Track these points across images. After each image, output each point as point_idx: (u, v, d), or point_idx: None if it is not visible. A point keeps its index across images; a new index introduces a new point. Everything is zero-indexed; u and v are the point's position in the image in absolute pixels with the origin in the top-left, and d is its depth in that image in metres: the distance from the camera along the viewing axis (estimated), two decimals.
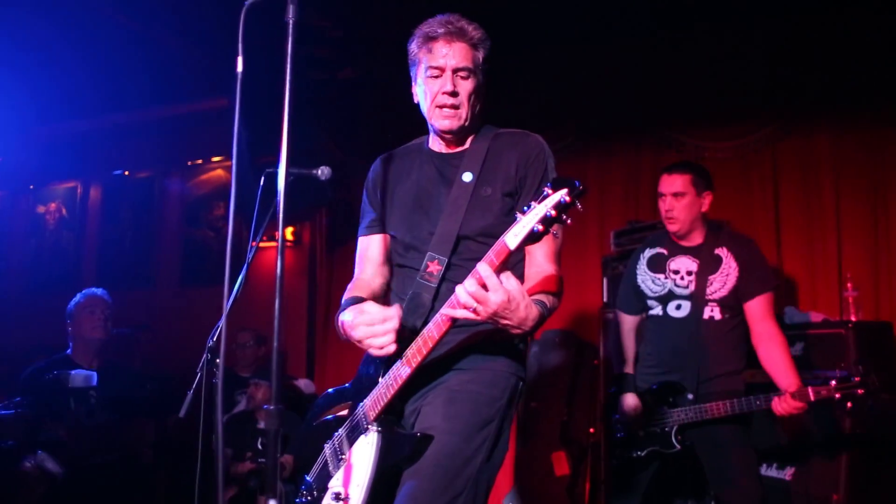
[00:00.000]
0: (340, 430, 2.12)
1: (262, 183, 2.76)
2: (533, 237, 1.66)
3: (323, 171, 2.77)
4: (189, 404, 2.43)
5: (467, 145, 2.15)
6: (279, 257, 1.83)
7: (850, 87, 4.25)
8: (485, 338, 2.00)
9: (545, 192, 1.64)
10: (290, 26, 1.62)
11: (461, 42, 2.04)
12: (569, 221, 1.64)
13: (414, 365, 1.90)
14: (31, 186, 7.56)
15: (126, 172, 7.07)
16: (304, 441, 2.28)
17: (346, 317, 1.99)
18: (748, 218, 4.51)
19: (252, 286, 6.48)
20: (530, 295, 1.87)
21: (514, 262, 2.04)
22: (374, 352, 1.91)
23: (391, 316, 1.88)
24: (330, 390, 2.33)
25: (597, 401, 4.46)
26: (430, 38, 2.05)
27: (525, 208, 1.67)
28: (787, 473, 3.37)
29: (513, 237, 1.68)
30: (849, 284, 3.70)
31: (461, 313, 1.77)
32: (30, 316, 6.98)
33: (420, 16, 5.06)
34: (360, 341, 1.92)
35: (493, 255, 1.73)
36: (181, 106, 6.48)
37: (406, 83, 2.18)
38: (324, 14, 5.05)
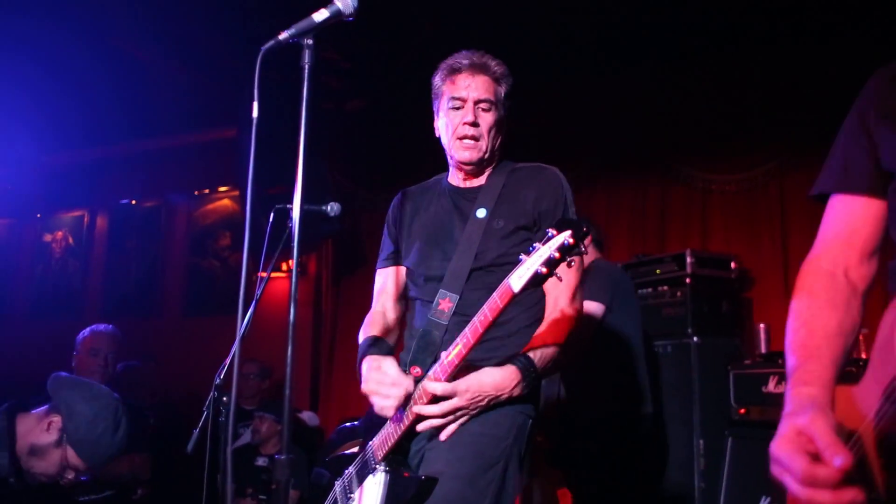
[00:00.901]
0: (351, 467, 2.12)
1: (271, 218, 2.77)
2: (537, 279, 1.65)
3: (332, 208, 2.77)
4: (196, 441, 2.41)
5: (484, 180, 2.16)
6: (290, 312, 1.79)
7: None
8: None
9: (549, 234, 1.63)
10: (306, 71, 1.62)
11: (484, 75, 2.08)
12: (573, 264, 1.64)
13: (424, 402, 1.90)
14: (39, 215, 7.60)
15: (133, 202, 7.10)
16: (318, 477, 2.27)
17: (364, 366, 2.03)
18: (756, 252, 4.49)
19: (257, 316, 6.47)
20: (528, 348, 1.92)
21: (531, 304, 2.06)
22: (375, 408, 1.96)
23: (401, 383, 1.92)
24: (346, 425, 2.31)
25: None
26: (454, 71, 2.09)
27: (530, 249, 1.67)
28: None
29: (517, 279, 1.68)
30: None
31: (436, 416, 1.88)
32: (32, 344, 6.96)
33: (428, 49, 5.12)
34: (366, 393, 1.98)
35: (498, 297, 1.74)
36: (188, 136, 6.53)
37: (414, 115, 2.22)
38: (333, 46, 5.11)
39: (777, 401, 3.56)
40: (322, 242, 5.86)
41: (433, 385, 1.83)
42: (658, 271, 4.24)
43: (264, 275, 2.85)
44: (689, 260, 4.05)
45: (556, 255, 1.60)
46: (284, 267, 5.46)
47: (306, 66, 1.63)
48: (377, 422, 2.07)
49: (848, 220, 1.32)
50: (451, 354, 1.85)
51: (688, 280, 4.05)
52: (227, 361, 2.59)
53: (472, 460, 1.92)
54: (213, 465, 2.35)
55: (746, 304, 4.42)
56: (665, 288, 4.19)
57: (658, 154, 4.82)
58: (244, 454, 4.47)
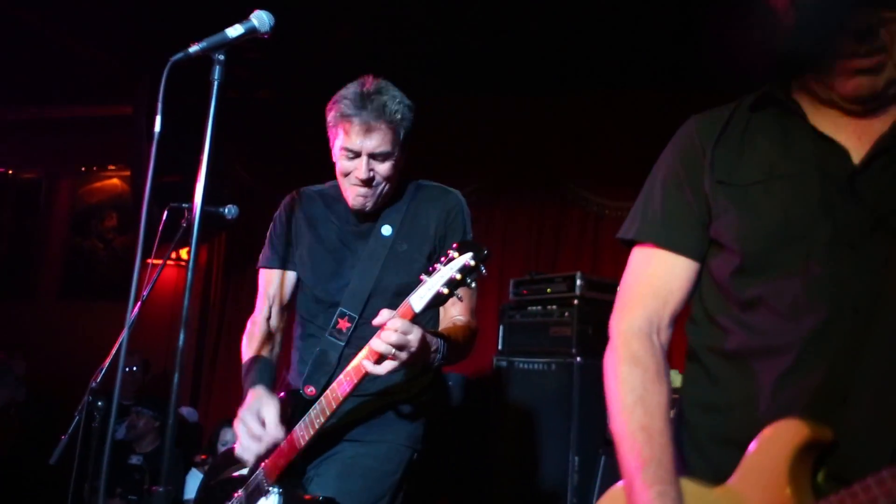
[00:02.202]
0: (241, 491, 2.05)
1: (164, 216, 2.68)
2: (438, 299, 1.68)
3: (230, 210, 2.71)
4: (62, 451, 2.29)
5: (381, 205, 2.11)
6: (184, 307, 1.72)
7: None
8: (382, 405, 1.99)
9: (451, 256, 1.65)
10: (215, 86, 1.57)
11: (380, 125, 1.92)
12: (473, 285, 1.67)
13: (317, 426, 1.87)
14: None
15: (10, 171, 6.64)
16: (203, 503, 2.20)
17: (247, 396, 1.95)
18: None
19: (146, 306, 6.20)
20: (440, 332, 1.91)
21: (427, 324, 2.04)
22: (236, 452, 1.91)
23: (265, 438, 1.85)
24: (231, 446, 2.24)
25: (486, 444, 4.50)
26: (346, 118, 1.93)
27: (431, 270, 1.68)
28: None
29: (418, 299, 1.69)
30: None
31: (377, 368, 1.74)
32: None
33: (340, 45, 5.04)
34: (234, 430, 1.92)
35: (399, 315, 1.73)
36: (79, 108, 6.18)
37: (322, 113, 2.07)
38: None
39: None
40: (215, 234, 5.69)
41: (394, 322, 1.69)
42: (549, 290, 4.36)
43: (157, 262, 2.76)
44: (578, 282, 4.19)
45: (458, 276, 1.64)
46: (174, 256, 5.28)
47: (215, 82, 1.57)
48: None
49: (665, 278, 1.30)
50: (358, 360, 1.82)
51: (575, 301, 4.19)
52: (107, 363, 2.49)
53: (360, 493, 1.95)
54: (80, 475, 2.25)
55: None
56: (554, 307, 4.31)
57: (554, 176, 4.98)
58: (117, 451, 4.29)
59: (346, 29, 4.74)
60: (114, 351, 2.42)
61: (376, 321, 1.73)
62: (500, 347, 4.58)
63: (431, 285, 1.67)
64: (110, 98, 5.85)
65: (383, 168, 1.97)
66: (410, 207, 2.08)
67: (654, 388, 1.24)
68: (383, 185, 2.00)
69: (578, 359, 4.07)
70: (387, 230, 2.06)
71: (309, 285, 2.12)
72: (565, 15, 4.24)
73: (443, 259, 1.67)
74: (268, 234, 2.23)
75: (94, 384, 2.34)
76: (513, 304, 4.58)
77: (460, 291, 1.69)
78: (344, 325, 2.01)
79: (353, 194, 2.00)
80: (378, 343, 1.71)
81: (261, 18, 1.65)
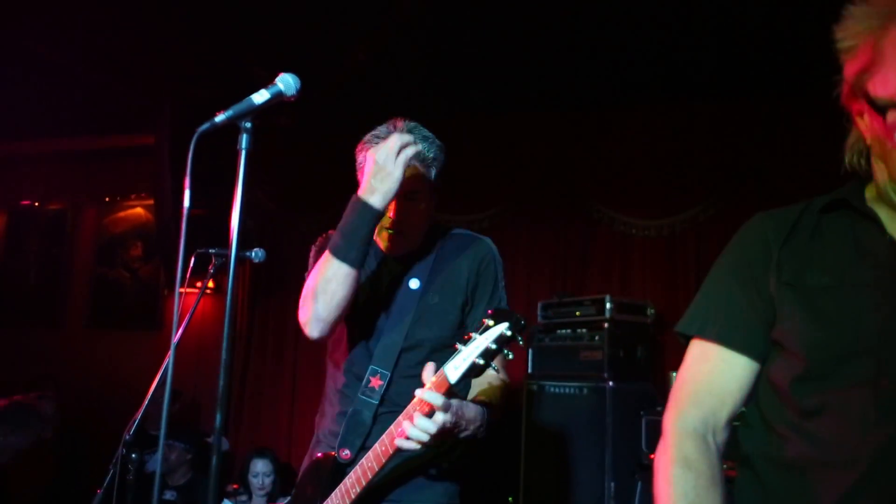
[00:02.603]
0: None
1: (192, 263, 2.66)
2: (474, 370, 1.63)
3: (256, 254, 2.69)
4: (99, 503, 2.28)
5: (415, 247, 2.05)
6: (222, 372, 1.64)
7: (774, 171, 4.46)
8: (420, 465, 1.93)
9: (486, 324, 1.61)
10: (243, 155, 1.54)
11: (411, 164, 1.86)
12: (510, 356, 1.63)
13: (352, 496, 1.82)
14: None
15: (36, 203, 6.70)
16: None
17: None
18: (671, 298, 4.64)
19: (167, 335, 6.23)
20: (479, 400, 1.85)
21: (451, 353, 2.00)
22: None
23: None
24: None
25: (519, 468, 4.45)
26: None
27: (466, 339, 1.64)
28: None
29: (453, 369, 1.65)
30: None
31: (410, 445, 1.70)
32: None
33: (358, 70, 5.01)
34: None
35: (434, 386, 1.68)
36: (101, 139, 6.22)
37: (342, 138, 2.01)
38: (257, 60, 4.97)
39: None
40: (241, 262, 5.69)
41: (432, 395, 1.66)
42: (578, 313, 4.32)
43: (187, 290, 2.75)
44: (608, 305, 4.14)
45: (493, 346, 1.60)
46: (199, 284, 5.28)
47: (243, 151, 1.53)
48: (308, 499, 1.99)
49: (724, 377, 1.26)
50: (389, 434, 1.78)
51: (606, 325, 4.14)
52: (140, 413, 2.48)
53: None
54: None
55: (660, 350, 4.57)
56: (583, 330, 4.27)
57: (580, 195, 4.92)
58: (149, 486, 4.28)
59: (363, 53, 4.73)
60: (148, 396, 2.40)
61: (414, 400, 1.70)
62: (529, 371, 4.53)
63: (467, 355, 1.62)
64: (132, 128, 5.89)
65: (414, 209, 1.94)
66: (439, 257, 2.03)
67: (708, 495, 1.18)
68: (414, 227, 1.96)
69: (611, 383, 4.03)
70: (415, 283, 1.99)
71: (339, 340, 2.07)
72: (589, 30, 4.19)
73: (478, 327, 1.63)
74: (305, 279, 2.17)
75: (127, 436, 2.31)
76: (541, 328, 4.54)
77: (496, 362, 1.65)
78: (376, 382, 1.95)
79: (385, 237, 1.96)
80: (408, 426, 1.68)
81: (287, 82, 1.62)
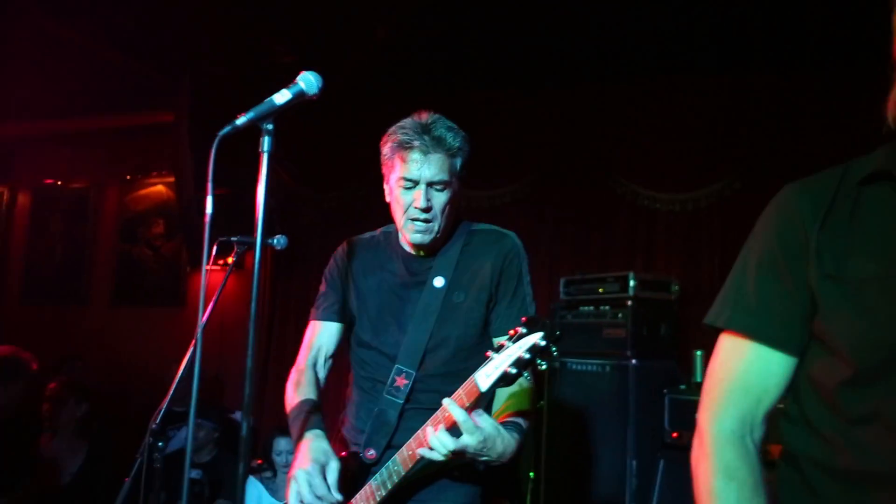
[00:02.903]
0: None
1: (214, 251, 2.66)
2: (506, 379, 1.59)
3: (279, 241, 2.68)
4: (126, 496, 2.29)
5: (440, 246, 2.04)
6: (248, 360, 1.65)
7: (801, 145, 4.34)
8: (445, 468, 1.91)
9: (519, 332, 1.57)
10: (265, 158, 1.51)
11: (438, 153, 1.88)
12: (544, 366, 1.58)
13: (377, 499, 1.83)
14: None
15: (59, 182, 6.75)
16: None
17: (303, 441, 1.85)
18: (695, 274, 4.58)
19: (190, 312, 6.30)
20: (504, 419, 1.81)
21: (477, 351, 1.94)
22: (290, 492, 1.81)
23: (328, 501, 1.76)
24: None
25: (540, 445, 4.45)
26: (404, 147, 1.88)
27: (498, 347, 1.60)
28: None
29: (484, 377, 1.62)
30: None
31: (433, 455, 1.70)
32: None
33: (379, 46, 4.95)
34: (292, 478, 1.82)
35: (464, 394, 1.66)
36: (121, 117, 6.22)
37: (362, 115, 2.01)
38: (276, 37, 4.91)
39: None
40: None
41: (456, 409, 1.65)
42: (601, 290, 4.27)
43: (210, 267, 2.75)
44: (631, 283, 4.09)
45: (526, 356, 1.55)
46: (220, 262, 5.30)
47: (265, 154, 1.50)
48: None
49: (760, 374, 1.17)
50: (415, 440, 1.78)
51: (629, 303, 4.09)
52: (165, 403, 2.48)
53: None
54: None
55: (684, 327, 4.51)
56: (607, 308, 4.22)
57: (604, 170, 4.83)
58: (176, 463, 4.33)
59: (384, 29, 4.66)
60: (174, 384, 2.40)
61: (441, 408, 1.68)
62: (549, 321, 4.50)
63: (499, 364, 1.58)
64: (151, 106, 5.88)
65: (441, 198, 1.92)
66: (464, 254, 2.00)
67: None
68: (441, 217, 1.93)
69: (634, 361, 3.99)
70: (439, 281, 1.97)
71: (365, 338, 2.05)
72: (615, 1, 4.09)
73: (511, 333, 1.59)
74: (322, 285, 2.17)
75: (153, 425, 2.31)
76: (563, 304, 4.50)
77: (528, 378, 1.62)
78: (401, 382, 1.93)
79: (413, 229, 1.93)
80: (431, 437, 1.67)
81: (308, 81, 1.58)
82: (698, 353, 4.05)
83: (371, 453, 1.93)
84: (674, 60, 4.63)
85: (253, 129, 1.57)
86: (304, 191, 5.48)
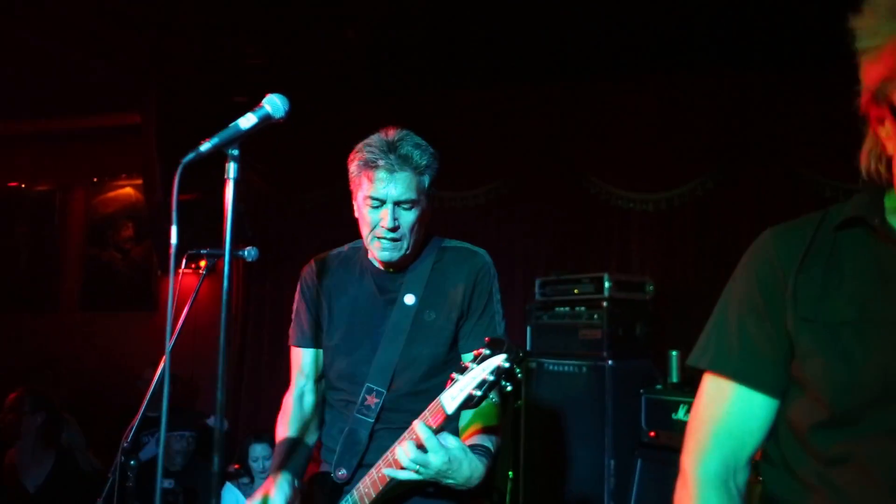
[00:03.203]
0: None
1: (182, 264, 2.61)
2: (471, 401, 1.59)
3: (249, 253, 2.63)
4: None
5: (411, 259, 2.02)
6: (220, 360, 1.63)
7: (775, 144, 4.39)
8: (421, 484, 1.88)
9: (483, 353, 1.57)
10: (232, 185, 1.47)
11: (405, 171, 1.85)
12: (509, 388, 1.58)
13: None
14: None
15: (23, 185, 6.60)
16: None
17: (271, 478, 1.91)
18: (671, 274, 4.61)
19: (161, 316, 6.18)
20: (470, 436, 1.81)
21: (445, 369, 1.95)
22: None
23: None
24: None
25: (518, 445, 4.46)
26: (370, 166, 1.86)
27: (462, 369, 1.60)
28: None
29: (450, 400, 1.61)
30: None
31: (402, 475, 1.70)
32: None
33: (348, 45, 4.89)
34: None
35: (430, 415, 1.66)
36: (87, 119, 6.10)
37: (336, 117, 1.99)
38: (246, 38, 4.84)
39: (685, 429, 3.68)
40: (233, 245, 5.64)
41: (422, 428, 1.66)
42: (576, 291, 4.28)
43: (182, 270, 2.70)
44: (606, 284, 4.10)
45: (490, 378, 1.55)
46: (192, 265, 5.23)
47: (231, 180, 1.46)
48: None
49: (742, 416, 1.18)
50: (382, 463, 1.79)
51: (604, 303, 4.11)
52: (136, 420, 2.44)
53: None
54: None
55: (660, 327, 4.54)
56: (582, 309, 4.24)
57: (578, 170, 4.84)
58: (150, 471, 4.27)
59: (353, 28, 4.61)
60: (145, 401, 2.36)
61: (406, 433, 1.70)
62: (528, 348, 4.51)
63: (464, 386, 1.58)
64: (118, 107, 5.77)
65: (409, 217, 1.89)
66: (435, 271, 1.98)
67: None
68: (409, 236, 1.91)
69: (610, 362, 4.01)
70: (410, 299, 1.95)
71: (336, 359, 2.03)
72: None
73: (476, 354, 1.59)
74: (293, 308, 2.15)
75: (125, 444, 2.27)
76: (539, 305, 4.50)
77: (494, 394, 1.62)
78: (372, 400, 1.92)
79: (380, 248, 1.91)
80: (400, 455, 1.68)
81: (274, 104, 1.53)
82: (674, 353, 4.08)
83: (342, 473, 1.92)
84: (646, 59, 4.64)
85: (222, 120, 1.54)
86: (276, 193, 5.42)
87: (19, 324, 6.42)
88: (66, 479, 3.84)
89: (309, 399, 2.09)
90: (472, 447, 1.76)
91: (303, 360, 2.10)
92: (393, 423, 1.90)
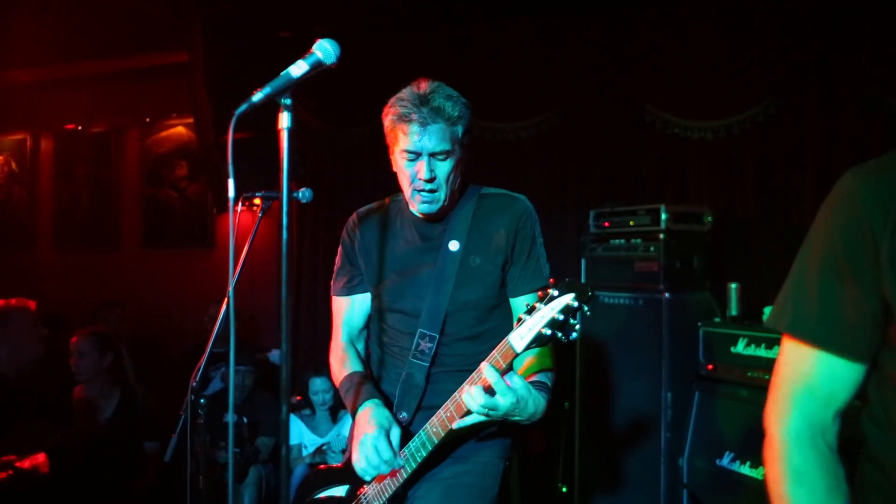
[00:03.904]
0: None
1: (239, 207, 2.63)
2: (540, 340, 1.61)
3: (304, 195, 2.64)
4: (174, 448, 2.36)
5: (450, 209, 2.06)
6: (283, 309, 1.66)
7: (842, 65, 4.13)
8: (478, 427, 1.97)
9: (550, 295, 1.59)
10: (285, 135, 1.46)
11: (437, 123, 1.87)
12: (577, 327, 1.59)
13: (418, 460, 1.88)
14: None
15: (79, 127, 6.71)
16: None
17: (359, 425, 1.93)
18: (730, 204, 4.47)
19: (222, 252, 6.33)
20: (531, 378, 1.85)
21: (496, 313, 2.03)
22: (356, 468, 1.92)
23: (388, 462, 1.86)
24: (321, 468, 2.28)
25: (573, 377, 4.48)
26: (404, 120, 1.89)
27: (530, 310, 1.62)
28: (762, 473, 3.45)
29: (518, 339, 1.64)
30: None
31: (471, 420, 1.75)
32: None
33: None
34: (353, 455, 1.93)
35: (499, 355, 1.69)
36: (137, 58, 6.11)
37: (383, 51, 2.00)
38: None
39: (744, 362, 3.65)
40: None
41: (490, 372, 1.68)
42: (632, 223, 4.21)
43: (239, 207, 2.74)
44: (663, 216, 4.01)
45: (560, 317, 1.57)
46: (246, 203, 5.28)
47: (285, 130, 1.45)
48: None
49: (825, 380, 1.13)
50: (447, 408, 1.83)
51: (661, 235, 4.03)
52: (203, 360, 2.51)
53: None
54: (195, 472, 2.33)
55: (719, 258, 4.45)
56: (638, 241, 4.17)
57: (632, 98, 4.66)
58: (216, 405, 4.43)
59: None
60: (212, 338, 2.41)
61: (478, 374, 1.73)
62: (583, 281, 4.48)
63: (532, 325, 1.60)
64: (165, 46, 5.76)
65: (444, 168, 1.93)
66: (476, 218, 2.03)
67: None
68: (446, 186, 1.94)
69: (667, 294, 3.96)
70: (454, 245, 2.00)
71: (387, 306, 2.09)
72: None
73: (540, 295, 1.61)
74: (336, 260, 2.22)
75: (194, 383, 2.35)
76: (593, 237, 4.44)
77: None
78: (426, 345, 1.99)
79: (420, 200, 1.95)
80: (469, 400, 1.71)
81: (324, 50, 1.50)
82: (733, 285, 4.00)
83: (403, 416, 2.00)
84: None
85: (275, 70, 1.51)
86: (326, 129, 5.40)
87: (84, 263, 6.65)
88: (132, 415, 4.02)
89: (359, 345, 2.20)
90: (533, 384, 1.81)
91: (347, 308, 2.18)
92: (449, 366, 1.99)
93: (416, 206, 1.98)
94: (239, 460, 4.11)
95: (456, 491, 1.97)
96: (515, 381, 1.72)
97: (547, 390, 1.84)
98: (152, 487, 3.94)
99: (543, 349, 1.89)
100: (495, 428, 2.02)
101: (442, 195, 1.95)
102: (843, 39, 4.12)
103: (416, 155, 1.90)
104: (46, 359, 3.66)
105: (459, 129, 1.93)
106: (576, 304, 1.56)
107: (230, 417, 1.78)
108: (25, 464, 3.11)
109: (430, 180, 1.91)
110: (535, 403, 1.76)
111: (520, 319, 1.64)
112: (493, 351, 1.70)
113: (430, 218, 2.03)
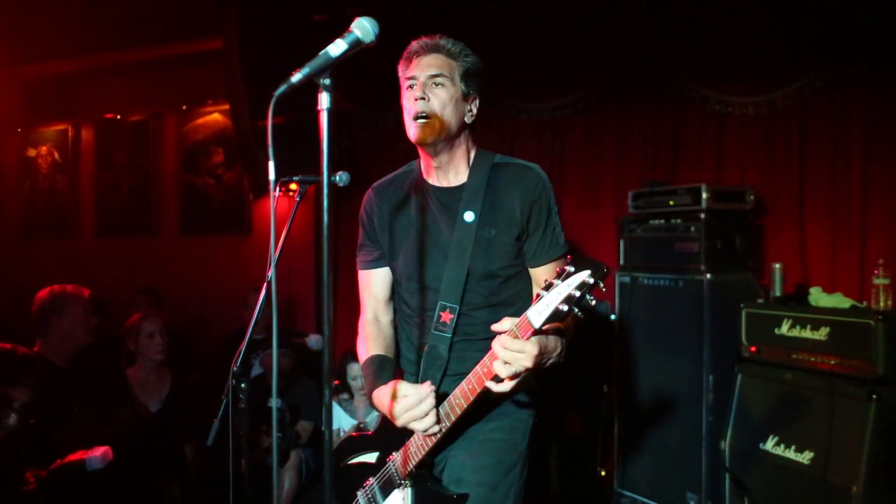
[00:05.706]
0: (373, 480, 2.13)
1: (277, 192, 2.62)
2: (557, 316, 1.63)
3: (341, 178, 2.64)
4: (216, 432, 2.38)
5: (464, 178, 2.08)
6: (325, 293, 1.69)
7: (889, 38, 3.96)
8: (498, 399, 2.03)
9: (567, 270, 1.60)
10: (325, 116, 1.44)
11: (435, 52, 2.01)
12: (593, 302, 1.60)
13: (447, 426, 1.91)
14: (19, 129, 7.30)
15: (118, 116, 6.80)
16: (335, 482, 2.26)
17: (382, 401, 1.98)
18: (772, 181, 4.34)
19: (260, 238, 6.37)
20: (554, 329, 1.85)
21: (513, 281, 2.06)
22: (421, 432, 1.93)
23: (425, 395, 1.89)
24: (353, 435, 2.31)
25: (611, 359, 4.44)
26: (409, 56, 2.03)
27: (548, 286, 1.63)
28: (805, 458, 3.38)
29: (536, 314, 1.65)
30: (876, 270, 3.54)
31: (503, 386, 1.77)
32: (27, 265, 6.91)
33: None
34: (404, 425, 1.94)
35: (518, 330, 1.71)
36: (172, 46, 6.16)
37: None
38: None
39: (789, 343, 3.57)
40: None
41: (512, 342, 1.72)
42: (671, 203, 4.13)
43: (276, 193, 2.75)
44: (704, 195, 3.92)
45: (576, 293, 1.57)
46: (283, 189, 5.30)
47: (325, 111, 1.43)
48: (393, 438, 2.08)
49: None
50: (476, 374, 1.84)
51: (702, 215, 3.94)
52: (244, 345, 2.52)
53: (494, 467, 2.04)
54: (237, 456, 2.34)
55: (761, 237, 4.34)
56: (678, 221, 4.09)
57: (672, 74, 4.53)
58: (257, 387, 4.48)
59: None
60: (250, 327, 2.43)
61: (495, 340, 1.75)
62: (621, 262, 4.42)
63: (550, 301, 1.62)
64: (200, 33, 5.79)
65: (440, 93, 1.98)
66: (490, 188, 2.04)
67: None
68: (440, 116, 1.96)
69: (708, 276, 3.88)
70: (469, 216, 2.03)
71: (405, 277, 2.12)
72: None
73: (558, 270, 1.62)
74: (359, 236, 2.26)
75: (235, 368, 2.37)
76: (632, 218, 4.38)
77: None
78: (447, 317, 2.02)
79: (412, 126, 1.99)
80: (499, 366, 1.74)
81: (364, 28, 1.50)
82: (777, 266, 3.92)
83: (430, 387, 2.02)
84: None
85: (309, 54, 1.50)
86: (360, 112, 5.38)
87: (124, 249, 6.77)
88: (183, 399, 4.08)
89: (384, 319, 2.24)
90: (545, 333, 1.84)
91: (372, 282, 2.22)
92: (471, 335, 2.02)
93: (411, 133, 2.01)
94: (280, 444, 4.16)
95: (485, 446, 2.03)
96: (530, 344, 1.75)
97: (560, 332, 1.86)
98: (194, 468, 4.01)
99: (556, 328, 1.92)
100: (515, 404, 2.08)
101: (437, 123, 1.96)
102: (891, 11, 3.96)
103: (415, 80, 1.99)
104: (93, 345, 3.73)
105: (459, 67, 2.02)
106: (591, 280, 1.57)
107: (273, 402, 1.79)
108: (91, 453, 3.16)
109: (422, 99, 1.95)
110: (556, 341, 1.81)
111: (538, 296, 1.65)
112: (514, 326, 1.72)
113: (425, 147, 2.04)
